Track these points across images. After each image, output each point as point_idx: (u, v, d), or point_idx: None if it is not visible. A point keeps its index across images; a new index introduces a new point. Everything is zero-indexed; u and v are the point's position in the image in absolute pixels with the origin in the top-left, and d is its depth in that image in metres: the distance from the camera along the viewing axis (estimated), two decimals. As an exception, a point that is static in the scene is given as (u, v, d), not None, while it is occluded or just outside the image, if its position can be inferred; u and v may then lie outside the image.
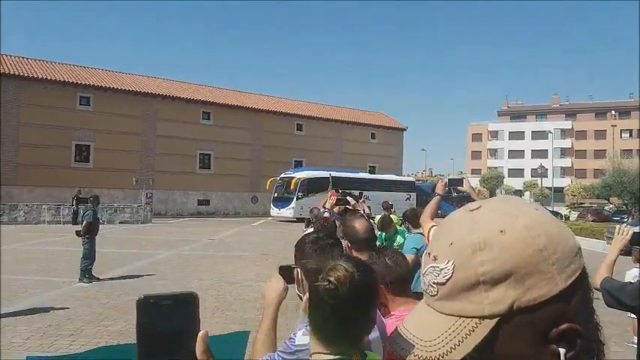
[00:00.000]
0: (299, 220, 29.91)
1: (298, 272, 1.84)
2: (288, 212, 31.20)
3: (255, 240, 19.43)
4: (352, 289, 1.14)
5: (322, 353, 1.19)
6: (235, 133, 37.52)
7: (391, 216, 7.80)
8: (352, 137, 44.17)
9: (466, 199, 3.95)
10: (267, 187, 32.62)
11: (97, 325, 6.88)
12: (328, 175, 32.33)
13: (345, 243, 2.85)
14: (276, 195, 32.66)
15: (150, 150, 34.25)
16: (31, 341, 6.13)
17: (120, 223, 25.78)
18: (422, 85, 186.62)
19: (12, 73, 29.96)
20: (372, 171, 43.78)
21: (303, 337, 1.62)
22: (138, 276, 10.78)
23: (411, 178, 40.36)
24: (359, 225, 2.91)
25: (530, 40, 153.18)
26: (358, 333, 1.20)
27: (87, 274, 9.98)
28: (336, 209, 6.00)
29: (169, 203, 34.35)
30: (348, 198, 5.73)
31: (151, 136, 34.37)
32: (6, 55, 32.60)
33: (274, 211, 32.33)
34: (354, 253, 2.52)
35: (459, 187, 3.92)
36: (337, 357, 1.17)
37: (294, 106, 43.41)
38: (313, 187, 31.50)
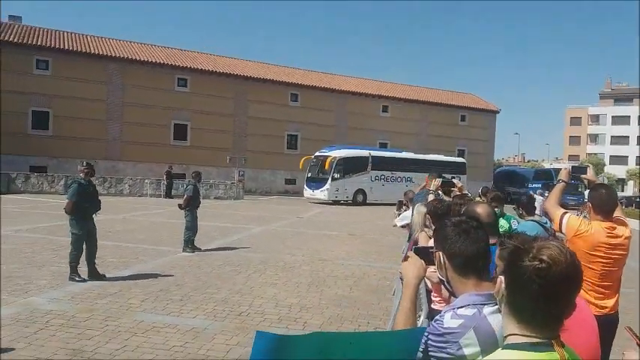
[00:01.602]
0: (335, 202, 28.07)
1: (440, 256, 1.80)
2: (322, 194, 28.06)
3: (342, 220, 19.59)
4: (564, 269, 1.11)
5: (521, 335, 1.16)
6: (321, 114, 37.88)
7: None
8: (440, 120, 42.92)
9: (577, 186, 3.85)
10: (301, 167, 30.03)
11: (202, 293, 7.28)
12: (367, 155, 30.12)
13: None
14: (309, 175, 29.54)
15: (242, 130, 35.51)
16: (146, 303, 6.61)
17: (214, 198, 27.14)
18: (517, 67, 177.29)
19: (117, 55, 32.14)
20: (461, 154, 42.29)
21: (451, 320, 1.61)
22: (235, 248, 11.28)
23: (461, 159, 35.57)
24: (481, 210, 2.85)
25: (636, 15, 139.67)
26: (560, 316, 1.15)
27: (190, 244, 10.58)
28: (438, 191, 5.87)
29: (259, 181, 35.52)
30: (454, 180, 5.55)
31: (243, 117, 35.58)
32: (110, 39, 35.02)
33: (307, 192, 29.17)
34: None
35: (582, 175, 3.88)
36: (538, 340, 1.13)
37: (380, 88, 42.90)
38: (351, 167, 29.02)
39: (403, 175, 30.62)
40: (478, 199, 8.30)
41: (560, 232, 3.41)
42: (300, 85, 37.69)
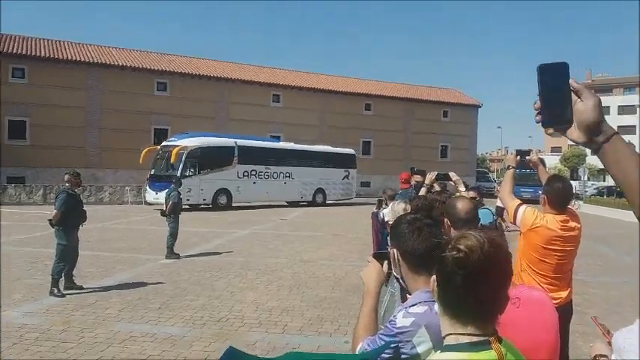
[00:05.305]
0: (193, 207, 21.90)
1: (394, 253, 1.80)
2: None
3: (325, 221, 19.58)
4: (483, 258, 1.07)
5: (458, 334, 1.13)
6: (304, 114, 37.83)
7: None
8: (423, 116, 43.03)
9: (530, 175, 3.79)
10: (141, 161, 23.60)
11: (182, 300, 7.21)
12: (233, 144, 24.05)
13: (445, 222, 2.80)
14: (153, 172, 22.75)
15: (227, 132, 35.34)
16: (123, 313, 6.53)
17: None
18: (497, 61, 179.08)
19: (95, 61, 31.75)
20: (444, 150, 42.39)
21: (403, 319, 1.61)
22: (217, 253, 11.19)
23: (350, 151, 29.82)
24: (460, 205, 2.85)
25: (616, 8, 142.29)
26: (491, 309, 1.12)
27: (171, 251, 10.47)
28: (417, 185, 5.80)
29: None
30: (451, 173, 5.34)
31: (225, 120, 35.36)
32: (87, 45, 34.52)
33: (150, 195, 22.05)
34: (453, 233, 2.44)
35: (526, 157, 3.81)
36: (476, 339, 1.11)
37: (361, 86, 42.97)
38: (209, 160, 22.81)
39: (280, 171, 25.66)
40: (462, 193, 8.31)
41: (514, 223, 3.37)
42: (282, 85, 37.65)
